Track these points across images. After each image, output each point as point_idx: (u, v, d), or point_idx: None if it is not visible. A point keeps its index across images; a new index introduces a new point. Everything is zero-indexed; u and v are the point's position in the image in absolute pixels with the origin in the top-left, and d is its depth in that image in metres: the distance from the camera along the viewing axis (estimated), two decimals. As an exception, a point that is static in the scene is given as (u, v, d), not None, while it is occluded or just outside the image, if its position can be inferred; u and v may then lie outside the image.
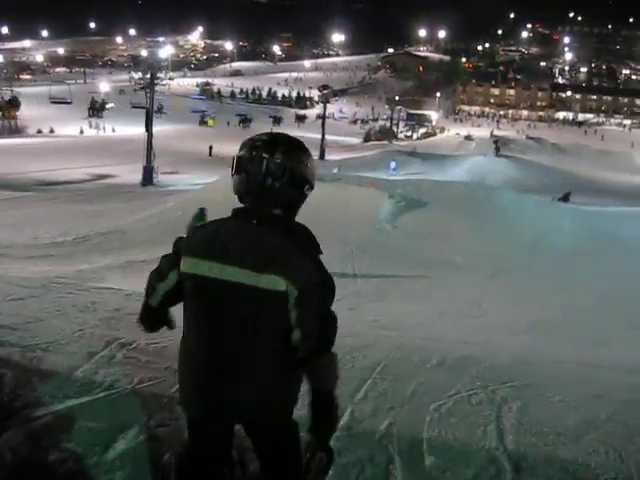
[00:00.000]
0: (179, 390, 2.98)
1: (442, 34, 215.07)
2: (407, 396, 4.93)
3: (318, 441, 2.83)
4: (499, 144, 71.22)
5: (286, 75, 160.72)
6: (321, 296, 2.69)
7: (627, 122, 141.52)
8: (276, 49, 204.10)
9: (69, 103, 65.68)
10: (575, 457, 4.15)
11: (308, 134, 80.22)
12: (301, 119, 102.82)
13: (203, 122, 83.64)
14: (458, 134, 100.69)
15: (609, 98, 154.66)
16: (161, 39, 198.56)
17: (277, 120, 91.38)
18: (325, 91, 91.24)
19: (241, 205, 2.87)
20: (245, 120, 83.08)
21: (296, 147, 2.86)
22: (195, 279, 2.74)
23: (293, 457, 2.95)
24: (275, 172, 2.72)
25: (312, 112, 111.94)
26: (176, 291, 2.84)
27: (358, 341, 6.99)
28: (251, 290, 2.63)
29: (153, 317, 2.98)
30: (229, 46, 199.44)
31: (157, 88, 47.06)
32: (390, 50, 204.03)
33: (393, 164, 49.20)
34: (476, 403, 4.94)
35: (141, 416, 4.23)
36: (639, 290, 16.66)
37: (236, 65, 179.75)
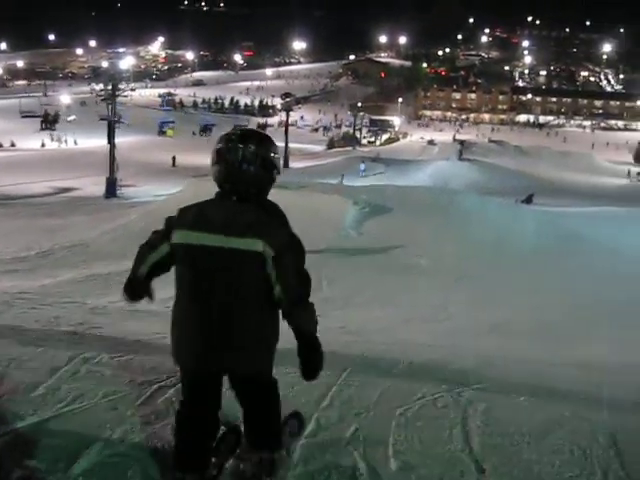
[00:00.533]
0: (173, 349, 3.49)
1: (403, 40, 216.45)
2: (373, 401, 4.94)
3: (308, 378, 3.52)
4: (462, 148, 71.81)
5: (248, 84, 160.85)
6: (295, 257, 3.26)
7: (587, 123, 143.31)
8: (237, 58, 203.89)
9: (40, 117, 65.15)
10: (540, 456, 4.18)
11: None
12: (262, 128, 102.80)
13: (162, 132, 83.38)
14: (422, 139, 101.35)
15: (569, 100, 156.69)
16: (122, 50, 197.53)
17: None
18: (287, 99, 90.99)
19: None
20: (205, 129, 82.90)
21: (264, 138, 3.44)
22: (186, 248, 3.29)
23: (270, 399, 3.62)
24: (249, 159, 3.28)
25: (273, 120, 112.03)
26: (163, 262, 3.44)
27: (324, 348, 6.98)
28: (233, 252, 3.18)
29: (137, 288, 3.54)
30: (190, 56, 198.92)
31: (119, 99, 46.82)
32: (352, 57, 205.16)
33: (362, 166, 49.84)
34: (442, 406, 4.96)
35: (105, 431, 4.18)
36: (602, 289, 16.89)
37: (198, 75, 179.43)
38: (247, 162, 3.27)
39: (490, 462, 4.04)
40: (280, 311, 3.33)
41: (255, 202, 3.31)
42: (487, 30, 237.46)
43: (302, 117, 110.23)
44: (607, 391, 6.05)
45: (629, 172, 70.18)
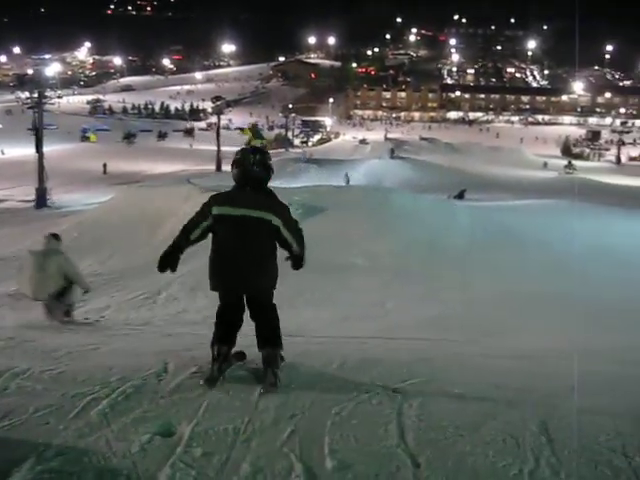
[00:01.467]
0: (211, 280, 5.58)
1: (332, 40, 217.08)
2: (309, 402, 4.93)
3: (297, 269, 5.76)
4: (394, 146, 72.38)
5: (178, 88, 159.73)
6: (292, 220, 5.59)
7: (515, 119, 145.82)
8: (166, 62, 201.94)
9: None
10: (473, 448, 4.22)
11: (201, 146, 79.82)
12: (189, 132, 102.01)
13: (85, 137, 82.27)
14: (354, 138, 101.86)
15: (496, 96, 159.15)
16: (47, 56, 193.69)
17: (162, 135, 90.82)
18: (218, 102, 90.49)
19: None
20: (129, 136, 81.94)
21: (265, 151, 5.73)
22: (223, 216, 5.36)
23: (272, 314, 5.80)
24: (258, 163, 5.42)
25: (200, 124, 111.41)
26: (208, 228, 5.46)
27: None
28: (253, 219, 5.33)
29: (178, 252, 5.51)
30: (118, 61, 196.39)
31: (46, 107, 45.92)
32: (281, 58, 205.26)
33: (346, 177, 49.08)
34: (377, 403, 4.98)
35: (37, 447, 4.08)
36: (534, 280, 17.21)
37: (126, 80, 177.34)
38: (256, 165, 5.42)
39: (425, 456, 4.07)
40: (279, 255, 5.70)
41: (262, 189, 5.49)
42: (415, 29, 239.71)
43: (230, 120, 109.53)
44: (538, 380, 6.17)
45: (545, 164, 71.66)
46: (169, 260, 5.43)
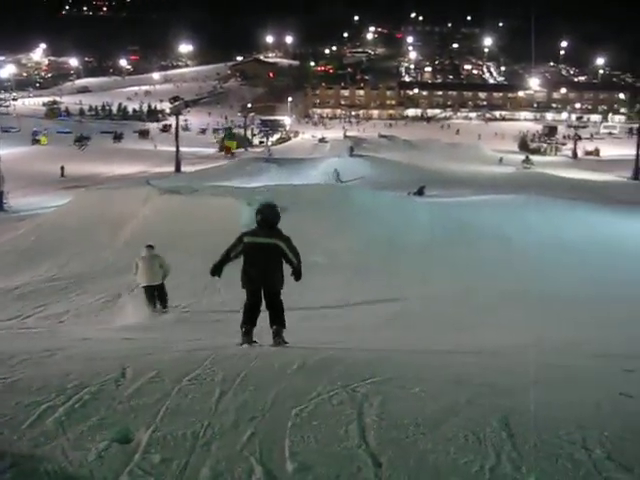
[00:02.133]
0: (242, 281, 8.55)
1: (290, 40, 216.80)
2: (268, 404, 4.89)
3: (298, 280, 8.52)
4: (353, 144, 72.48)
5: (135, 89, 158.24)
6: (292, 245, 8.31)
7: (473, 115, 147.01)
8: (123, 63, 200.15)
9: None
10: (435, 445, 4.21)
11: (160, 147, 79.30)
12: (144, 134, 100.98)
13: (36, 140, 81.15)
14: (313, 137, 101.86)
15: (454, 93, 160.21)
16: (1, 58, 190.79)
17: (118, 136, 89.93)
18: (176, 103, 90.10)
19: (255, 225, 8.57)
20: (81, 139, 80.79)
21: (275, 205, 8.66)
22: (251, 243, 8.32)
23: (280, 304, 8.62)
24: (272, 213, 8.41)
25: (156, 126, 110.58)
26: (240, 252, 8.41)
27: (220, 352, 6.94)
28: (268, 244, 8.25)
29: (223, 265, 8.54)
30: (74, 62, 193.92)
31: (1, 110, 45.26)
32: (239, 58, 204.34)
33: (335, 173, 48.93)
34: (337, 403, 4.95)
35: (-11, 459, 3.98)
36: (493, 276, 17.35)
37: (83, 81, 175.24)
38: (270, 215, 8.37)
39: (386, 456, 4.05)
40: (284, 268, 8.45)
41: (275, 229, 8.36)
42: (372, 27, 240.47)
43: (186, 120, 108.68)
44: (499, 375, 6.20)
45: (500, 159, 72.29)
46: (218, 270, 8.67)
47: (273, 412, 4.73)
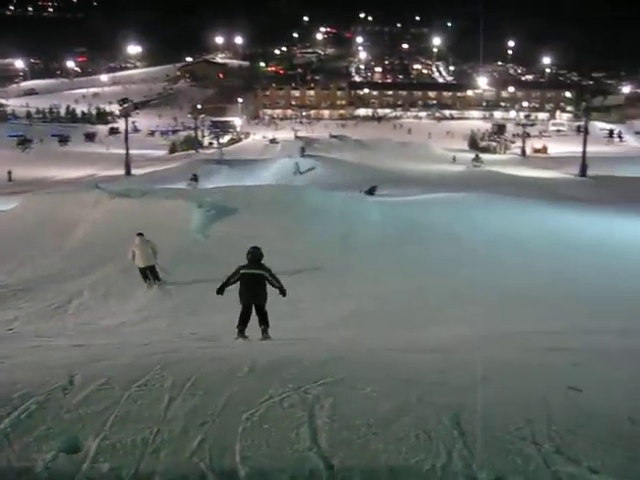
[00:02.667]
0: (240, 299, 11.60)
1: (239, 40, 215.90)
2: (219, 408, 4.84)
3: (284, 296, 11.91)
4: (304, 145, 72.45)
5: (84, 91, 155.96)
6: (273, 274, 11.73)
7: (423, 114, 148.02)
8: (71, 65, 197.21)
9: None
10: (386, 445, 4.22)
11: (113, 150, 78.50)
12: (90, 137, 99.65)
13: None
14: (264, 137, 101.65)
15: (404, 93, 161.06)
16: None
17: (64, 139, 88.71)
18: (125, 105, 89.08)
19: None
20: (24, 142, 79.39)
21: (259, 247, 11.90)
22: (245, 274, 11.59)
23: (265, 313, 11.63)
24: (257, 253, 11.77)
25: (104, 128, 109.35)
26: (236, 280, 11.64)
27: (171, 357, 6.87)
28: (256, 274, 11.58)
29: (225, 287, 11.76)
30: (20, 64, 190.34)
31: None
32: (189, 59, 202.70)
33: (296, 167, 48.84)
34: (288, 406, 4.92)
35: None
36: (445, 273, 17.49)
37: (29, 84, 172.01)
38: (257, 254, 11.71)
39: (338, 457, 4.04)
40: (269, 288, 11.73)
41: (260, 263, 11.68)
42: (322, 28, 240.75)
43: (134, 122, 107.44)
44: (450, 373, 6.23)
45: (454, 158, 72.80)
46: (221, 291, 11.77)
47: (223, 417, 4.68)
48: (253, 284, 11.55)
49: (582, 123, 71.69)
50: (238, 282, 11.62)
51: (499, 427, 4.49)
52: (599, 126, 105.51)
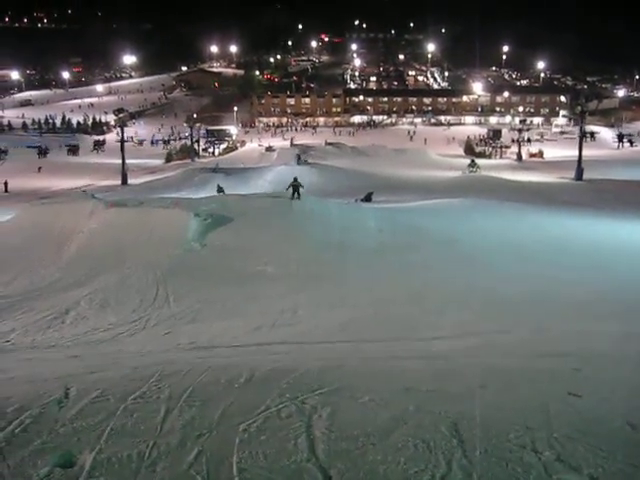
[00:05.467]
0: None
1: (234, 49, 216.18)
2: (215, 420, 4.80)
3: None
4: (300, 152, 72.34)
5: (79, 101, 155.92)
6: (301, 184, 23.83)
7: (418, 120, 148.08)
8: (66, 75, 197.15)
9: None
10: (385, 456, 4.18)
11: (110, 160, 78.31)
12: (100, 145, 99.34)
13: None
14: (260, 145, 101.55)
15: (399, 99, 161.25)
16: None
17: (73, 149, 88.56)
18: (121, 115, 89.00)
19: None
20: (41, 152, 79.57)
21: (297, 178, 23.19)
22: (293, 184, 24.36)
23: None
24: (297, 181, 24.55)
25: (111, 137, 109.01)
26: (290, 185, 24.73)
27: (168, 368, 6.80)
28: (295, 185, 24.04)
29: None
30: (15, 75, 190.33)
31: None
32: (184, 68, 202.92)
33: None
34: (286, 416, 4.88)
35: None
36: (442, 279, 17.43)
37: (25, 95, 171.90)
38: (296, 179, 24.52)
39: (336, 469, 4.00)
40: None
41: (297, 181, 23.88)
42: (316, 35, 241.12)
43: (136, 132, 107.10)
44: (448, 380, 6.18)
45: (473, 162, 72.59)
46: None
47: (220, 429, 4.64)
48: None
49: (591, 127, 71.37)
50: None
51: (498, 435, 4.46)
52: (609, 131, 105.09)
